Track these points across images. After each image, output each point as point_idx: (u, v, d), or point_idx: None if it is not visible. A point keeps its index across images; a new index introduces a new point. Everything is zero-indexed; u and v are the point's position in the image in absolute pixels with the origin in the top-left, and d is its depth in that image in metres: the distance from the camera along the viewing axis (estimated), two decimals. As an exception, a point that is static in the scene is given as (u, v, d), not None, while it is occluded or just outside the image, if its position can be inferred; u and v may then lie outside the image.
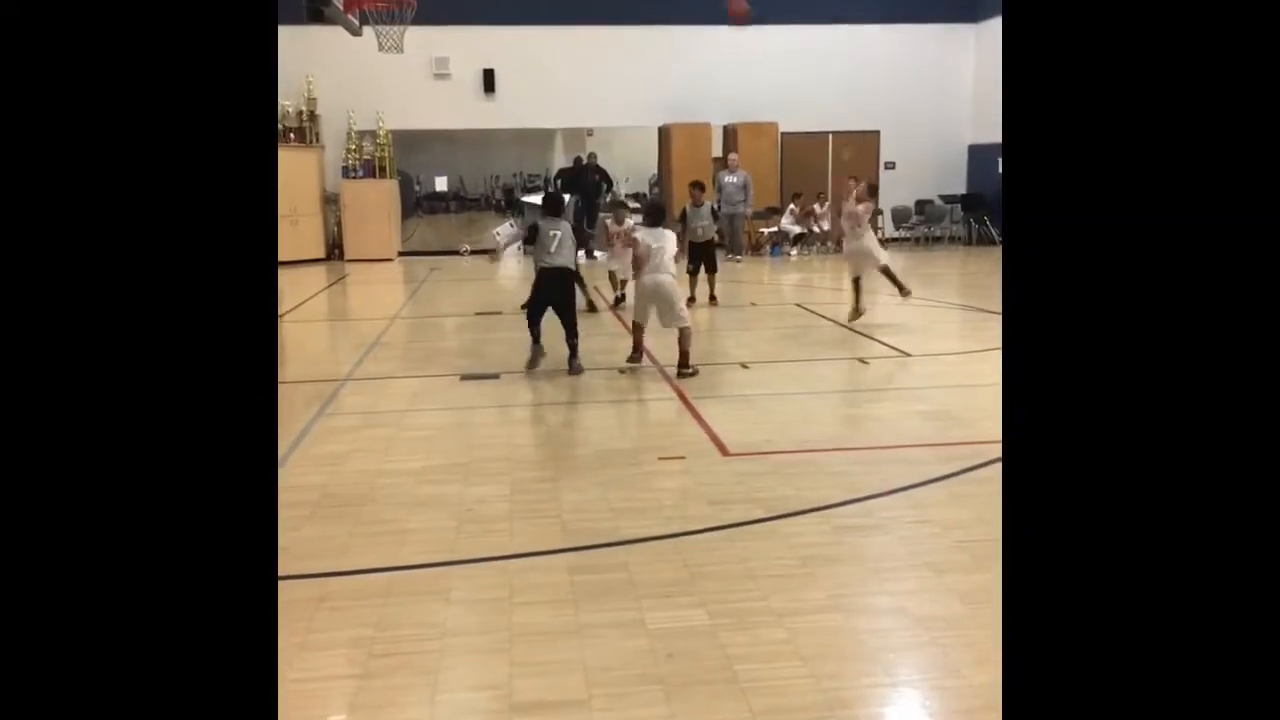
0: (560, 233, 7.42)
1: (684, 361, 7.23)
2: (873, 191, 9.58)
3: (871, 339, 8.70)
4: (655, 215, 7.80)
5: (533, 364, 7.42)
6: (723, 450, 5.37)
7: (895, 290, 9.37)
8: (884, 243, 10.42)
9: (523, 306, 8.13)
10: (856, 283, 9.32)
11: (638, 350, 7.68)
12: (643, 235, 7.42)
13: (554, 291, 7.41)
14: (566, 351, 7.44)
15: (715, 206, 15.43)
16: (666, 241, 7.34)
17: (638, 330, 7.62)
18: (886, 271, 9.29)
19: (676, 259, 7.57)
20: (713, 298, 10.88)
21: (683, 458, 5.22)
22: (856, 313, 9.22)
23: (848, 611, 3.45)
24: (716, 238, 11.22)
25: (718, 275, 11.03)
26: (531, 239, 7.56)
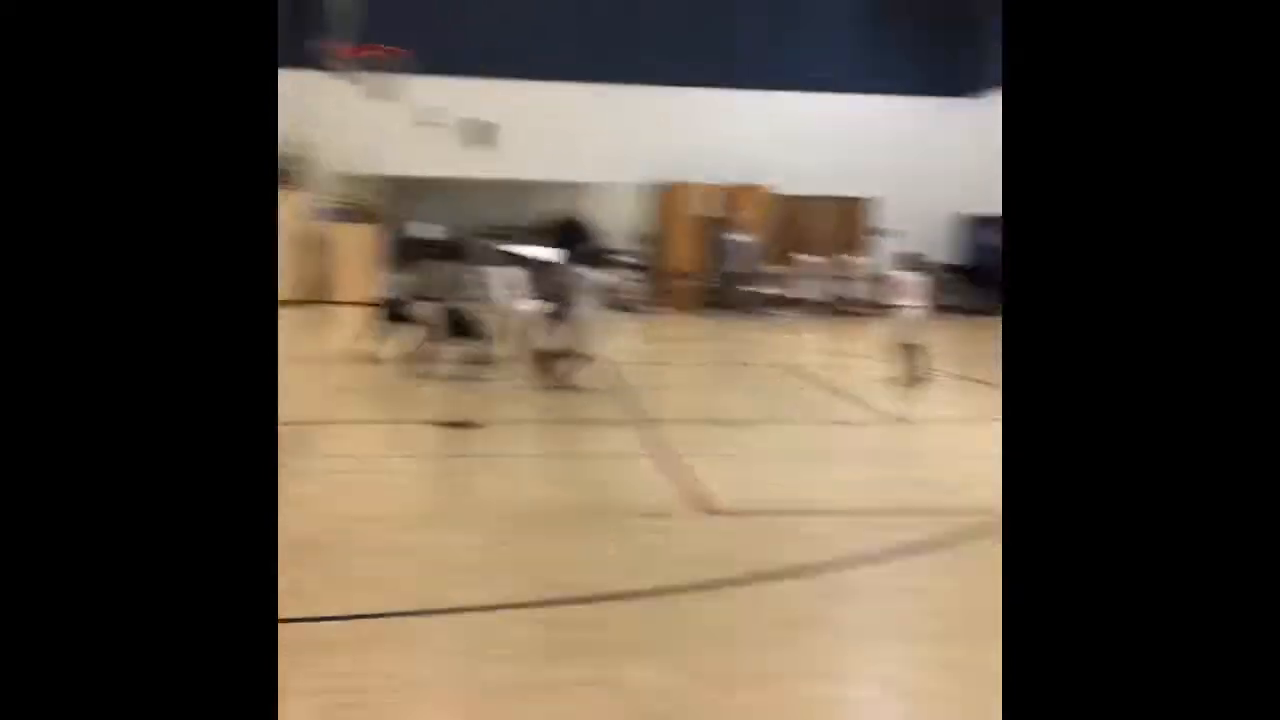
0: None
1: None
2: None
3: (866, 405, 8.63)
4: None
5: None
6: (707, 508, 5.24)
7: None
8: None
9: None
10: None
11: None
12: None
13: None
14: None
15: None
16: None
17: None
18: None
19: None
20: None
21: (666, 515, 5.09)
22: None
23: (836, 679, 3.32)
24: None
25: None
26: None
